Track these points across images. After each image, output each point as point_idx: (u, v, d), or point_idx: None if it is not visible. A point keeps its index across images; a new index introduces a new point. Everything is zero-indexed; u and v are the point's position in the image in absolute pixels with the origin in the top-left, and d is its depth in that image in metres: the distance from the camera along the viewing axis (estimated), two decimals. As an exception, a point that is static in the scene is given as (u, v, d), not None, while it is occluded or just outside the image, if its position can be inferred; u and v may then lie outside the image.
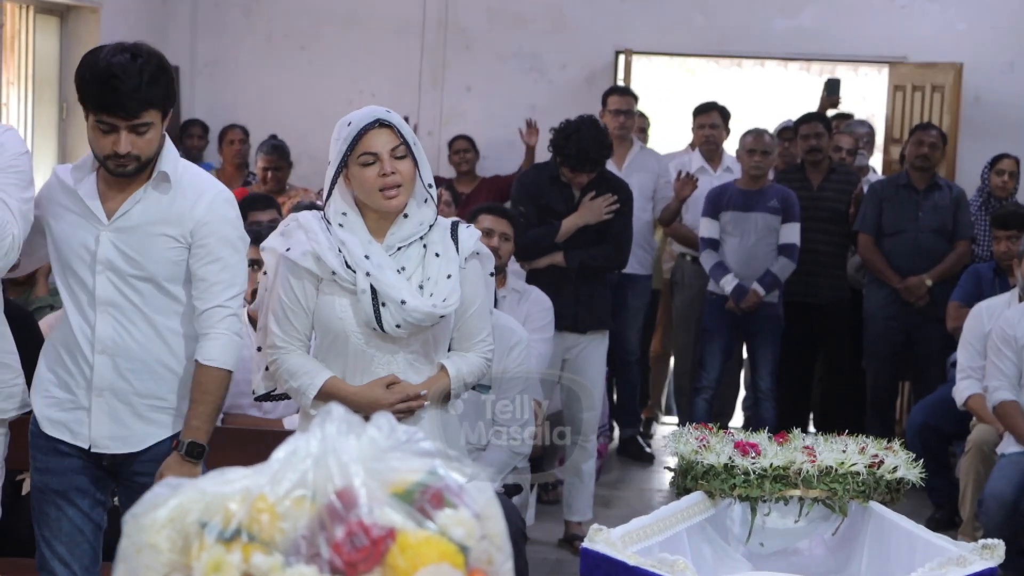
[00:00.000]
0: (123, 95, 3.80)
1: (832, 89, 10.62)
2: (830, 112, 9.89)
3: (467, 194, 9.32)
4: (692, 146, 9.56)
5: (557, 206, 6.98)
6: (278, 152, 8.82)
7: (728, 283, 8.11)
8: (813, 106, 9.99)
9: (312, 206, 6.34)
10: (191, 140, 10.10)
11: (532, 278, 6.84)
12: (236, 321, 4.04)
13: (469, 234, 4.09)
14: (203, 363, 3.98)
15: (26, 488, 5.13)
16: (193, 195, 4.00)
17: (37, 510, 4.14)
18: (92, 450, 4.03)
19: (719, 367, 8.33)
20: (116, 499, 4.27)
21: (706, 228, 8.25)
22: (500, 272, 6.00)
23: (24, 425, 4.14)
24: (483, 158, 10.05)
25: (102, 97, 3.84)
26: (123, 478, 4.09)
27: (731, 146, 9.24)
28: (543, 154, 9.61)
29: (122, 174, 3.93)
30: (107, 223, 3.97)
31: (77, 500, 4.09)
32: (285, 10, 10.79)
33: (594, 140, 6.89)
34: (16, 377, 4.08)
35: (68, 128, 9.50)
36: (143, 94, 3.83)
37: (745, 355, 8.82)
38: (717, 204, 8.22)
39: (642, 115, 9.74)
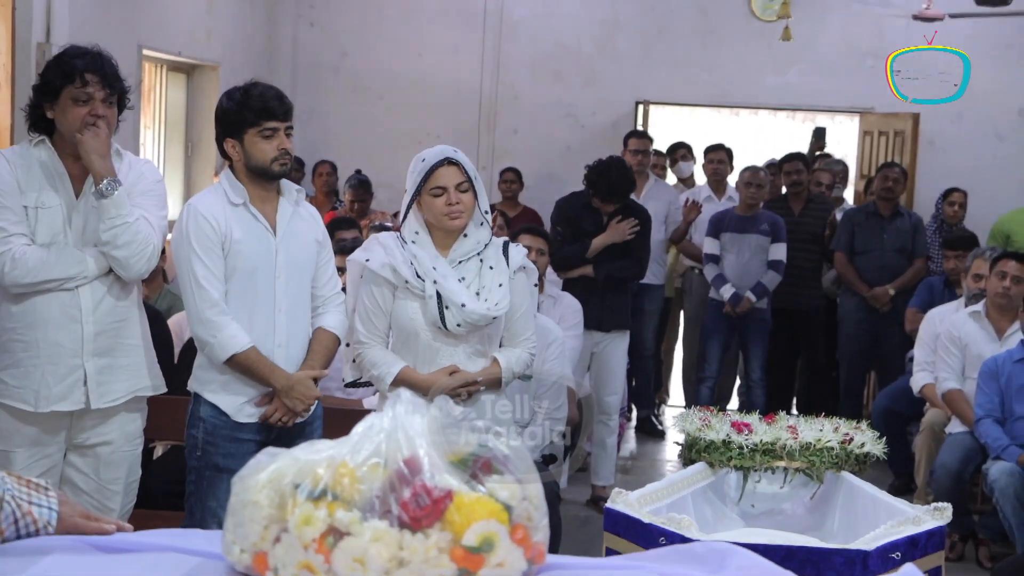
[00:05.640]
0: (279, 102, 4.01)
1: (819, 136, 10.73)
2: (816, 154, 9.85)
3: (513, 217, 9.29)
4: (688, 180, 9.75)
5: (588, 227, 6.95)
6: (363, 187, 8.88)
7: (727, 291, 8.07)
8: (796, 148, 9.95)
9: (383, 227, 6.36)
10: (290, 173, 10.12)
11: (566, 286, 6.81)
12: (344, 306, 4.18)
13: (517, 251, 4.07)
14: (326, 328, 4.13)
15: (156, 454, 5.16)
16: (312, 220, 4.21)
17: (220, 491, 3.86)
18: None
19: (718, 360, 8.29)
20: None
21: (709, 246, 8.21)
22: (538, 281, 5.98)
23: (157, 403, 4.12)
24: (527, 188, 10.03)
25: (264, 106, 3.99)
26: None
27: (734, 179, 9.23)
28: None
29: (284, 174, 4.07)
30: (275, 237, 4.09)
31: None
32: (367, 68, 10.81)
33: (622, 178, 6.89)
34: (153, 362, 4.03)
35: (191, 164, 9.56)
36: (287, 102, 4.04)
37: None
38: (718, 226, 8.18)
39: (663, 154, 9.77)
